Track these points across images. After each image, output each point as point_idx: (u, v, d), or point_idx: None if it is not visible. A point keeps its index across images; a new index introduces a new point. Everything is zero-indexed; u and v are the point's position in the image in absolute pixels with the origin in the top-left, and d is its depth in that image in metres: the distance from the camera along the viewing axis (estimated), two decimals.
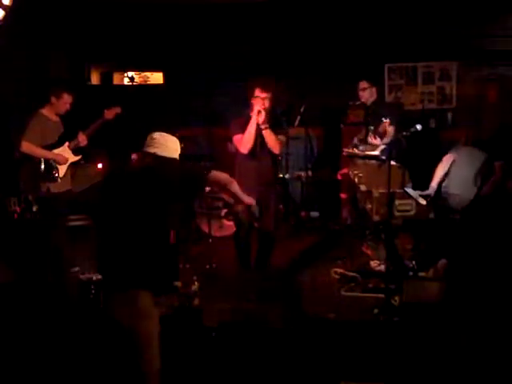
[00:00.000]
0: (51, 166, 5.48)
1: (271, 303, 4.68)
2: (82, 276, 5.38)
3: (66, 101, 5.45)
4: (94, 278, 5.35)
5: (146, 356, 3.04)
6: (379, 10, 7.68)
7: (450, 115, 8.02)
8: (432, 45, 7.79)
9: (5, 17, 4.89)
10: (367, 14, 7.71)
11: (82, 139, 5.63)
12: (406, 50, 7.87)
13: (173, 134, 3.40)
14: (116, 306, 3.03)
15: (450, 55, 7.94)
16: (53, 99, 5.43)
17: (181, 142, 3.49)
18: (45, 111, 5.47)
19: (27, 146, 5.34)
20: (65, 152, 5.57)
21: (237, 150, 5.06)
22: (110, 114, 5.78)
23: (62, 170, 5.54)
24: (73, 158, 5.64)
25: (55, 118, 5.54)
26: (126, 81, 8.46)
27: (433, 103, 8.14)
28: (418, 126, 4.86)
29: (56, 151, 5.52)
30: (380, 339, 4.12)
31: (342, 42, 7.83)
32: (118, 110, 5.84)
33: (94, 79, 8.55)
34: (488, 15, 7.58)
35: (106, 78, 8.50)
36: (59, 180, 5.50)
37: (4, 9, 4.86)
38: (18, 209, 5.57)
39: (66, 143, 5.59)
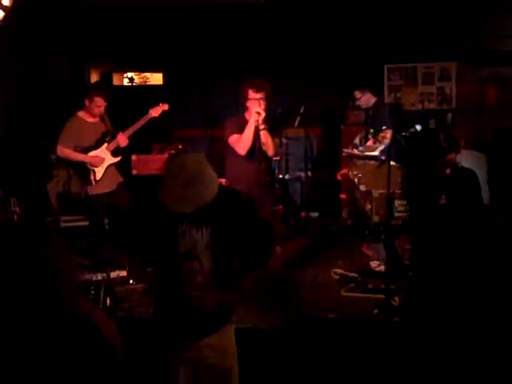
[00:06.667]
0: (86, 168, 5.52)
1: (271, 303, 4.68)
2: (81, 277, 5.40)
3: (98, 104, 5.49)
4: (94, 278, 5.36)
5: None
6: (379, 11, 7.68)
7: (449, 116, 8.03)
8: (432, 45, 7.79)
9: (5, 17, 4.90)
10: (367, 14, 7.71)
11: (122, 140, 5.61)
12: (405, 50, 7.87)
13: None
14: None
15: (449, 55, 7.95)
16: (86, 102, 5.50)
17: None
18: (81, 113, 5.56)
19: (61, 151, 5.49)
20: (103, 153, 5.60)
21: (231, 151, 4.96)
22: (155, 111, 5.69)
23: (99, 172, 5.57)
24: (111, 160, 5.64)
25: (92, 120, 5.57)
26: (125, 81, 8.47)
27: (432, 104, 8.14)
28: (418, 127, 4.86)
29: (93, 153, 5.55)
30: (380, 339, 4.12)
31: (342, 43, 7.83)
32: (165, 107, 5.73)
33: (94, 79, 8.56)
34: (488, 15, 7.58)
35: (106, 78, 8.50)
36: (94, 182, 5.54)
37: (4, 9, 4.86)
38: (17, 209, 5.58)
39: (105, 144, 5.60)
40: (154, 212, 2.62)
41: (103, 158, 5.56)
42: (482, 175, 5.51)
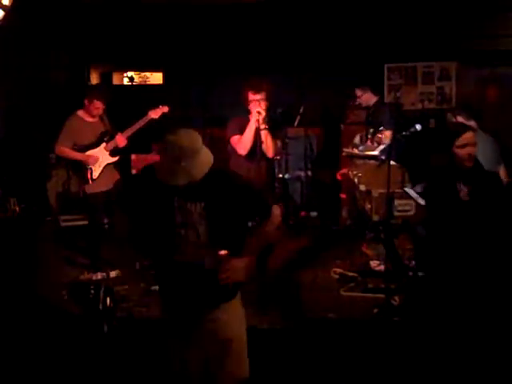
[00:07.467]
0: (84, 167, 5.54)
1: (271, 303, 4.68)
2: (81, 276, 5.41)
3: (96, 106, 5.55)
4: (94, 277, 5.38)
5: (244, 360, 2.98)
6: (379, 10, 7.68)
7: (449, 115, 8.02)
8: (432, 45, 7.79)
9: (5, 17, 4.90)
10: (367, 13, 7.71)
11: (121, 140, 5.65)
12: (405, 49, 7.87)
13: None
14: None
15: (449, 55, 7.94)
16: (86, 102, 5.55)
17: None
18: (80, 113, 5.61)
19: (59, 149, 5.55)
20: (100, 153, 5.62)
21: (233, 151, 4.98)
22: (155, 113, 5.72)
23: (96, 171, 5.60)
24: (109, 160, 5.68)
25: (91, 119, 5.61)
26: (125, 81, 8.48)
27: (432, 103, 8.14)
28: (418, 126, 4.86)
29: (91, 152, 5.58)
30: (380, 339, 4.12)
31: (342, 42, 7.83)
32: (164, 109, 5.77)
33: (94, 79, 8.56)
34: (488, 15, 7.57)
35: (106, 78, 8.51)
36: (91, 181, 5.56)
37: (4, 9, 4.86)
38: (17, 209, 5.59)
39: (103, 144, 5.62)
40: (153, 184, 2.79)
41: (97, 158, 5.58)
42: (490, 155, 5.39)
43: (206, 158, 2.72)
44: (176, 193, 2.75)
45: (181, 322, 2.86)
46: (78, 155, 5.55)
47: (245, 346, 2.97)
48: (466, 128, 3.88)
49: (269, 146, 4.88)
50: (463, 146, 3.68)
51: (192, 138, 2.70)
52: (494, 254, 3.63)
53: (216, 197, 2.77)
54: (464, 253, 3.61)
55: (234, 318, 2.91)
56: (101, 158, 5.62)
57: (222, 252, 2.73)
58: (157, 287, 5.06)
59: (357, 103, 6.80)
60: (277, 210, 2.97)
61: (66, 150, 5.52)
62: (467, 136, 3.71)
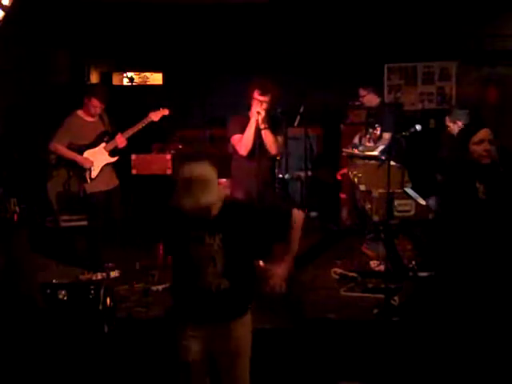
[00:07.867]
0: (81, 167, 5.55)
1: (271, 304, 4.68)
2: (81, 276, 5.41)
3: (95, 105, 5.54)
4: (94, 278, 5.38)
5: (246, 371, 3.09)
6: (379, 10, 7.68)
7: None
8: (432, 45, 7.79)
9: (4, 17, 4.90)
10: (367, 13, 7.71)
11: (120, 141, 5.65)
12: (405, 50, 7.87)
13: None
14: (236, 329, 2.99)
15: (449, 55, 7.94)
16: (85, 101, 5.55)
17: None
18: (80, 112, 5.61)
19: (54, 146, 5.53)
20: (100, 153, 5.62)
21: (234, 150, 5.01)
22: (155, 116, 5.73)
23: (95, 171, 5.60)
24: (108, 160, 5.67)
25: (91, 119, 5.61)
26: (125, 81, 8.46)
27: (432, 103, 8.13)
28: (418, 127, 4.86)
29: (91, 151, 5.58)
30: (379, 339, 4.12)
31: (342, 42, 7.83)
32: (165, 112, 5.79)
33: (94, 79, 8.56)
34: (488, 15, 7.57)
35: (106, 78, 8.51)
36: (89, 181, 5.56)
37: (4, 9, 4.86)
38: (17, 209, 5.58)
39: (103, 144, 5.62)
40: (173, 214, 2.90)
41: (92, 161, 5.57)
42: None
43: (214, 190, 2.85)
44: (194, 225, 2.87)
45: (193, 329, 2.95)
46: (71, 154, 5.52)
47: (249, 359, 3.08)
48: (481, 125, 3.87)
49: (271, 143, 4.89)
50: (480, 142, 3.67)
51: (205, 170, 2.85)
52: (509, 255, 3.63)
53: (234, 228, 2.90)
54: (481, 252, 3.59)
55: (245, 333, 3.04)
56: (99, 158, 5.61)
57: (261, 263, 2.89)
58: (157, 287, 5.10)
59: (358, 103, 6.80)
60: (298, 214, 3.13)
61: (59, 148, 5.50)
62: (483, 132, 3.70)
